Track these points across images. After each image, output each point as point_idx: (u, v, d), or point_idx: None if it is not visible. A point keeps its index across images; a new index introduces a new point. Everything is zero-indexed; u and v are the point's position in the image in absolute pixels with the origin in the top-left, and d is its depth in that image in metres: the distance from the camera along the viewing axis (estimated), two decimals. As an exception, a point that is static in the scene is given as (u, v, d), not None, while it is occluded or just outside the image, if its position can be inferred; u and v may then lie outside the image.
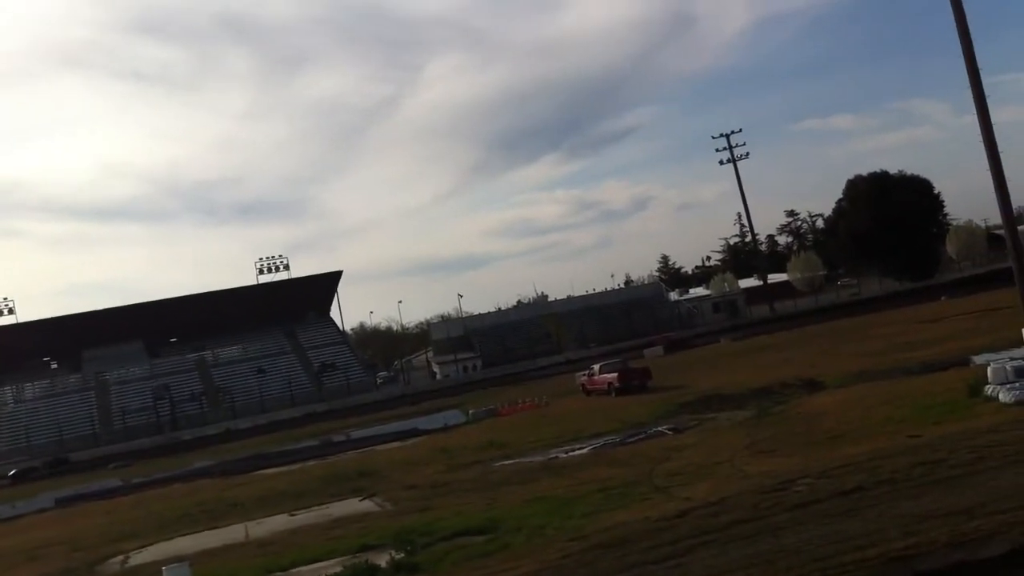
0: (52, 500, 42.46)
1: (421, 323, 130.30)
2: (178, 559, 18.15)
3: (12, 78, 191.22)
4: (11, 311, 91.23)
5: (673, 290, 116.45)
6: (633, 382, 43.25)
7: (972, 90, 28.12)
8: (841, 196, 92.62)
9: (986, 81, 28.19)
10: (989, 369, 22.61)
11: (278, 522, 23.72)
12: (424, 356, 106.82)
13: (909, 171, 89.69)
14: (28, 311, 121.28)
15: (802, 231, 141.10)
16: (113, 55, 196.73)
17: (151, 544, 23.69)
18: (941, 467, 15.62)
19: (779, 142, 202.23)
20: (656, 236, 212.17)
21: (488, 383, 71.76)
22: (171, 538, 24.11)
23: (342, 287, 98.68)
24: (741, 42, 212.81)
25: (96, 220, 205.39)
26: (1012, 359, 23.57)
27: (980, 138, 28.36)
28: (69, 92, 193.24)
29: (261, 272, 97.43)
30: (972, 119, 28.31)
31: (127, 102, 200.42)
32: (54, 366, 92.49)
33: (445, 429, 43.61)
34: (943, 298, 67.99)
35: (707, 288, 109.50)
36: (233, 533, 23.28)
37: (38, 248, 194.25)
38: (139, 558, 22.09)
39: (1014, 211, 31.72)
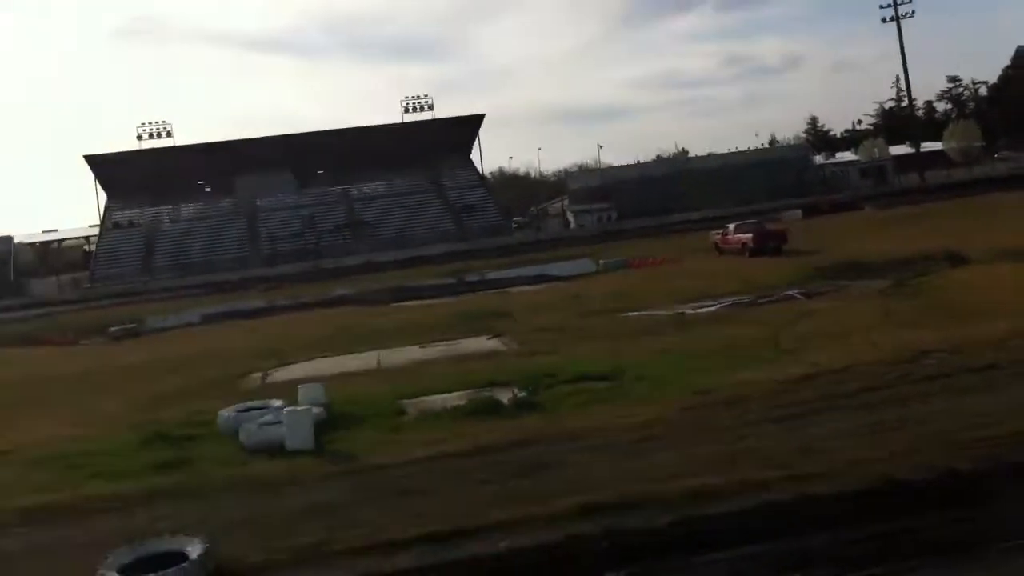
0: (199, 316, 44.97)
1: (559, 171, 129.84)
2: (314, 379, 19.13)
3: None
4: (169, 134, 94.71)
5: (819, 153, 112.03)
6: (768, 244, 42.28)
7: None
8: (1008, 63, 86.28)
9: None
10: None
11: (411, 353, 24.56)
12: (560, 204, 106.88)
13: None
14: (184, 136, 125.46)
15: (963, 98, 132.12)
16: None
17: (290, 363, 24.85)
18: (1085, 352, 15.02)
19: (947, 1, 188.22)
20: (808, 97, 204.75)
21: (622, 235, 71.45)
22: (309, 359, 25.27)
23: (484, 131, 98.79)
24: None
25: (253, 50, 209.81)
26: None
27: None
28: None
29: (406, 111, 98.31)
30: None
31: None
32: (208, 190, 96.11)
33: (576, 277, 43.94)
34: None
35: (855, 153, 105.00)
36: (368, 359, 24.26)
37: (194, 73, 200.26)
38: (278, 375, 23.20)
39: None
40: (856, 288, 27.80)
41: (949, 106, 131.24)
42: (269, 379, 22.99)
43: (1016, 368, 14.48)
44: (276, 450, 14.64)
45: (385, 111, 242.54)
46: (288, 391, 18.06)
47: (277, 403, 16.68)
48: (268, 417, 15.67)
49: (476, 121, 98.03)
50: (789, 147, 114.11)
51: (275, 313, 43.28)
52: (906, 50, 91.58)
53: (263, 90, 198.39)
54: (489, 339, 25.63)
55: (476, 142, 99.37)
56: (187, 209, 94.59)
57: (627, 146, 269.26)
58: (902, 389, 14.13)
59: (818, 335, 20.00)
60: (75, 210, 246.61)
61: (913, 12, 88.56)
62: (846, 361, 16.33)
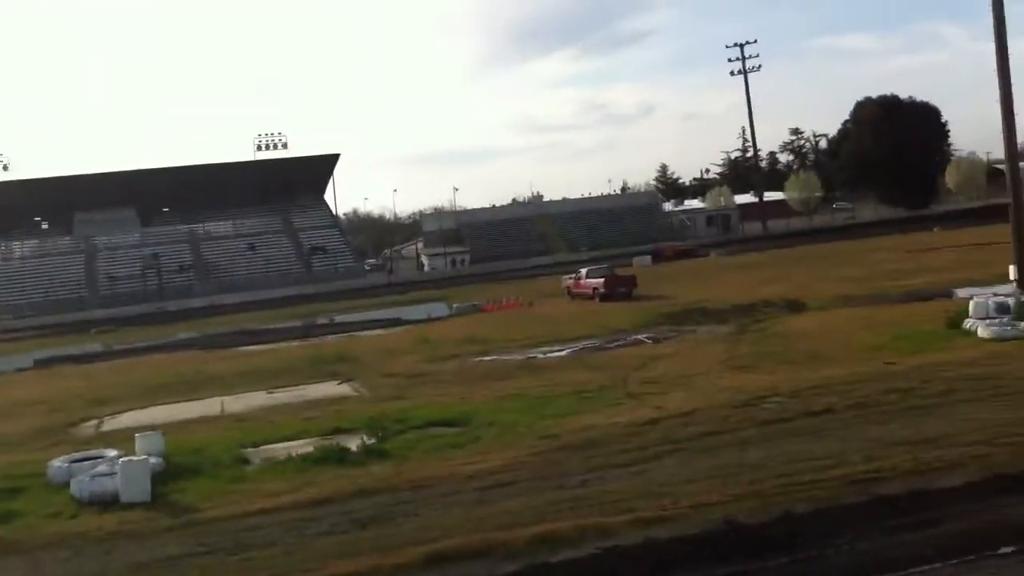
0: (31, 360, 42.63)
1: (415, 214, 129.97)
2: (152, 427, 18.33)
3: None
4: (5, 168, 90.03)
5: (669, 200, 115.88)
6: (618, 289, 43.33)
7: (993, 13, 27.30)
8: (848, 118, 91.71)
9: (1010, 8, 27.32)
10: (971, 303, 22.70)
11: (255, 398, 23.94)
12: (414, 247, 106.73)
13: (919, 97, 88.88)
14: (22, 170, 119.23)
15: (804, 150, 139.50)
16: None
17: (127, 411, 23.88)
18: (912, 396, 15.82)
19: (792, 58, 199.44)
20: (659, 144, 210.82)
21: (475, 279, 71.84)
22: (148, 406, 24.27)
23: (339, 171, 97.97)
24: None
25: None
26: (995, 295, 23.64)
27: (995, 67, 27.71)
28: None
29: (259, 148, 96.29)
30: (990, 46, 27.53)
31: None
32: (45, 226, 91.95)
33: (428, 321, 43.78)
34: (936, 229, 67.84)
35: (703, 201, 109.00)
36: (210, 406, 23.50)
37: (37, 103, 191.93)
38: (114, 423, 22.32)
39: (1018, 146, 31.15)
40: (701, 333, 28.65)
41: (791, 157, 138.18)
42: (104, 427, 22.04)
43: (851, 412, 15.15)
44: (110, 502, 14.02)
45: (237, 149, 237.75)
46: (125, 440, 17.33)
47: (112, 453, 16.00)
48: (102, 468, 14.96)
49: (330, 160, 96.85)
50: (640, 194, 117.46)
51: (113, 357, 41.42)
52: (752, 102, 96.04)
53: (107, 124, 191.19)
54: (337, 384, 25.14)
55: (331, 182, 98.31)
56: (22, 246, 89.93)
57: (484, 189, 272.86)
58: (743, 433, 14.53)
59: (664, 379, 20.51)
60: None
61: (760, 66, 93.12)
62: (691, 405, 16.74)
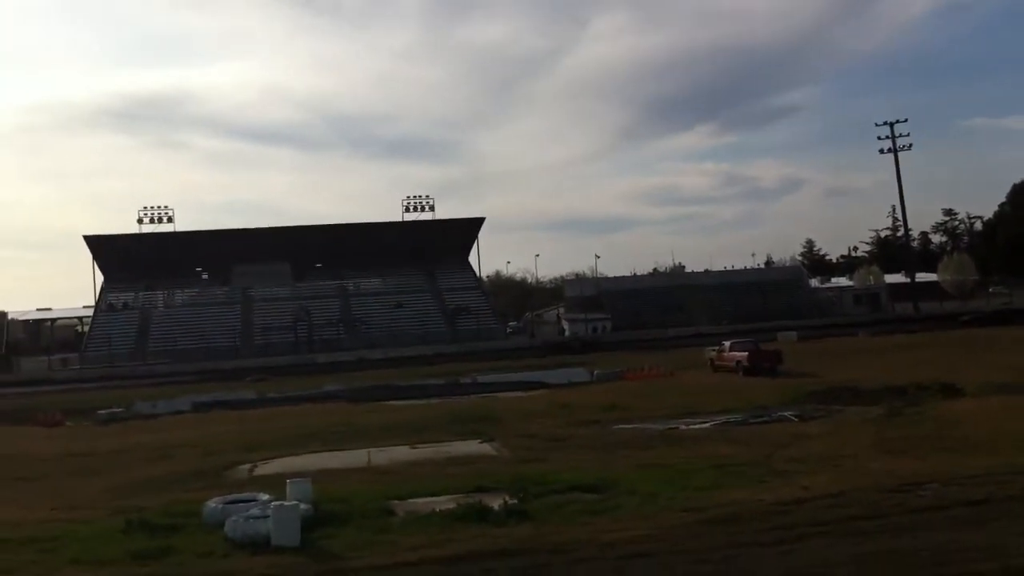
0: (190, 403, 44.78)
1: (555, 279, 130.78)
2: (302, 474, 18.94)
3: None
4: (170, 219, 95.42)
5: (815, 277, 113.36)
6: (763, 364, 42.57)
7: None
8: (1004, 200, 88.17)
9: None
10: None
11: (399, 452, 24.44)
12: (555, 312, 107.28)
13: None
14: (184, 221, 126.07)
15: (958, 232, 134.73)
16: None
17: (278, 457, 24.72)
18: (1077, 490, 15.00)
19: (944, 137, 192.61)
20: (803, 220, 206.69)
21: (616, 346, 71.63)
22: (297, 454, 25.14)
23: (482, 233, 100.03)
24: (920, 27, 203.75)
25: (254, 141, 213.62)
26: None
27: None
28: (245, 14, 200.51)
29: (407, 210, 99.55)
30: None
31: (296, 29, 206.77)
32: (204, 276, 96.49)
33: (568, 385, 43.90)
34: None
35: (850, 279, 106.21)
36: (357, 457, 24.13)
37: (198, 161, 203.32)
38: (265, 469, 23.05)
39: None
40: (849, 414, 27.80)
41: (944, 238, 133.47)
42: (257, 471, 22.84)
43: (1009, 503, 14.46)
44: (261, 545, 14.40)
45: (385, 208, 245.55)
46: (276, 485, 17.85)
47: (264, 497, 16.48)
48: (255, 511, 15.43)
49: (476, 224, 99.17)
50: (784, 268, 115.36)
51: (265, 405, 43.07)
52: (903, 181, 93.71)
53: (264, 180, 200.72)
54: (480, 443, 25.51)
55: (475, 244, 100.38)
56: (182, 295, 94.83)
57: (623, 257, 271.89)
58: (895, 519, 14.05)
59: (811, 459, 19.97)
60: (70, 289, 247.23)
61: (910, 145, 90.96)
62: (839, 486, 16.28)
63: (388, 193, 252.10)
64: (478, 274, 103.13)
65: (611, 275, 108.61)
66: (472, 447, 24.96)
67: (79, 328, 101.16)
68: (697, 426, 26.79)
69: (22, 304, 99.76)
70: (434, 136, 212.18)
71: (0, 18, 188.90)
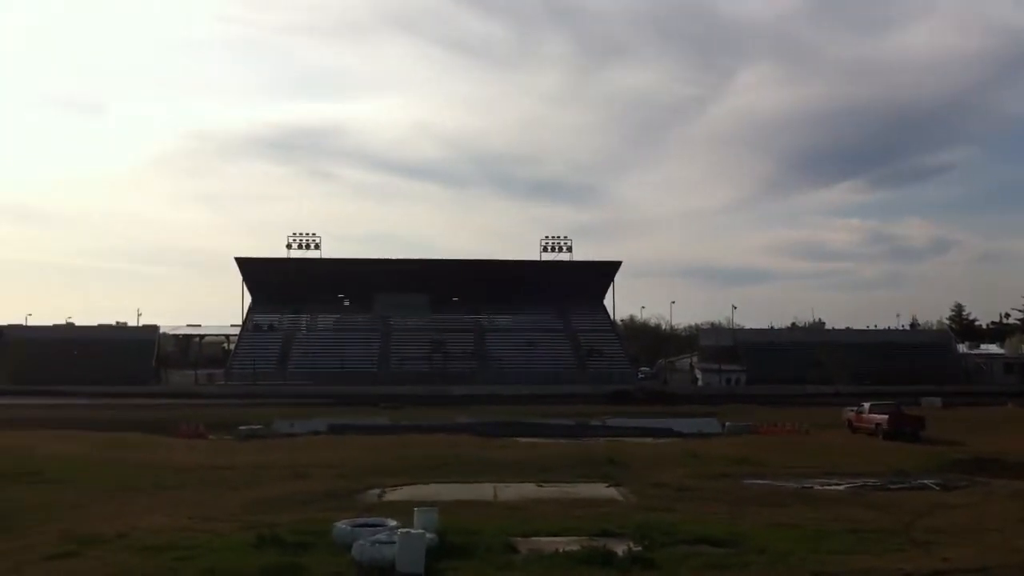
0: (326, 425, 46.03)
1: (690, 327, 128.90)
2: (430, 503, 19.19)
3: (353, 34, 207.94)
4: (317, 246, 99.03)
5: (962, 342, 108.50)
6: (904, 428, 41.14)
7: None
8: None
9: None
10: None
11: (526, 490, 24.49)
12: (688, 360, 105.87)
13: None
14: (330, 249, 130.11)
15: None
16: (441, 22, 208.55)
17: (407, 484, 25.14)
18: None
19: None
20: (951, 282, 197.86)
21: (750, 399, 70.11)
22: (426, 482, 25.47)
23: (618, 277, 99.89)
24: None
25: (401, 175, 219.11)
26: None
27: None
28: (398, 53, 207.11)
29: (545, 250, 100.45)
30: None
31: (446, 69, 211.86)
32: (347, 303, 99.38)
33: (699, 436, 43.20)
34: None
35: (1000, 346, 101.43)
36: (483, 490, 24.32)
37: (347, 192, 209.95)
38: (394, 495, 23.42)
39: None
40: (996, 486, 26.41)
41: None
42: (386, 497, 23.30)
43: None
44: (386, 570, 14.56)
45: (524, 247, 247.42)
46: (404, 511, 18.11)
47: (392, 522, 16.77)
48: (382, 535, 15.69)
49: (612, 267, 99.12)
50: (931, 332, 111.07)
51: (398, 432, 43.85)
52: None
53: (408, 213, 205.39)
54: (607, 487, 25.31)
55: (611, 287, 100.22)
56: (325, 320, 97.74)
57: (760, 309, 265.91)
58: (1043, 602, 13.30)
59: (952, 530, 19.05)
60: (219, 306, 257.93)
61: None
62: (983, 561, 15.48)
63: (527, 232, 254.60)
64: (612, 318, 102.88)
65: (747, 327, 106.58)
66: (599, 490, 24.79)
67: (225, 345, 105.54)
68: (832, 487, 25.92)
69: (173, 320, 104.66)
70: (575, 178, 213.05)
71: (176, 52, 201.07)
